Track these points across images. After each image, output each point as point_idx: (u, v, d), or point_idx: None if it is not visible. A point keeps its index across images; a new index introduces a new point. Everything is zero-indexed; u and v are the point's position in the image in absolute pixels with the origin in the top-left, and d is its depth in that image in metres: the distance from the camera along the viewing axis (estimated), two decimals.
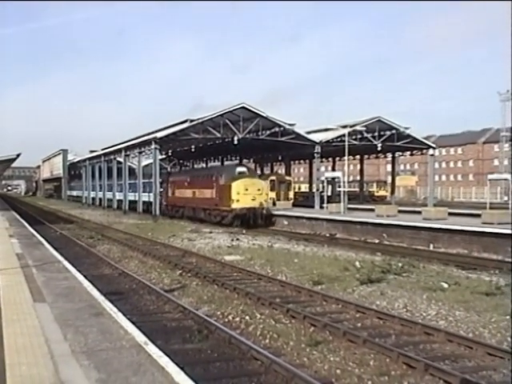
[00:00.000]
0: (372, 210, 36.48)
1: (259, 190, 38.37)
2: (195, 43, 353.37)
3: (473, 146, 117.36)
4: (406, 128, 58.25)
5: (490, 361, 9.28)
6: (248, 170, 42.00)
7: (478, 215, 28.92)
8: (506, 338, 10.44)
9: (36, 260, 17.08)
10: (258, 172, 65.85)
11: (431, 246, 25.64)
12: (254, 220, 37.27)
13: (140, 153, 56.87)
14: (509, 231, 22.01)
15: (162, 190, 50.35)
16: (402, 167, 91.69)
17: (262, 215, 38.07)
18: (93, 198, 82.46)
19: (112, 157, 69.40)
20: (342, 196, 38.63)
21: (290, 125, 52.83)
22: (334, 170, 67.37)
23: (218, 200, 39.27)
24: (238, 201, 37.14)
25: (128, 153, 61.68)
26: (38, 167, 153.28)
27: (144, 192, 55.22)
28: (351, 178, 68.64)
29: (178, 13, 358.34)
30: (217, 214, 39.43)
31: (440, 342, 10.40)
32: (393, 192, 66.26)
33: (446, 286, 15.41)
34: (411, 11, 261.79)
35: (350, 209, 39.39)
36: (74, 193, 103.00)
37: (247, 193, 37.56)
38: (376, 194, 74.74)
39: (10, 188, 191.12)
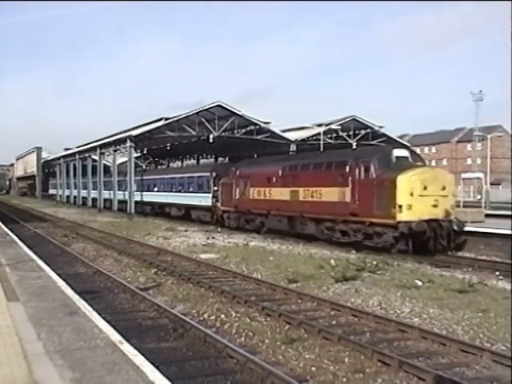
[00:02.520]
0: None
1: (444, 188, 22.80)
2: (170, 41, 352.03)
3: (446, 145, 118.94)
4: (381, 127, 58.87)
5: (463, 357, 9.38)
6: (411, 154, 25.05)
7: None
8: (478, 335, 10.57)
9: (9, 259, 16.91)
10: None
11: None
12: (435, 240, 22.17)
13: (115, 151, 56.58)
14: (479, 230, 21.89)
15: (216, 189, 37.87)
16: None
17: (450, 233, 22.60)
18: (67, 196, 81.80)
19: (87, 155, 68.88)
20: None
21: (265, 123, 53.05)
22: None
23: (358, 205, 23.31)
24: (409, 208, 21.51)
25: (103, 151, 61.29)
26: (12, 165, 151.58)
27: (119, 190, 54.85)
28: None
29: (153, 10, 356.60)
30: (357, 229, 23.63)
31: (414, 339, 10.48)
32: None
33: (419, 283, 15.54)
34: (385, 12, 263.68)
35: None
36: (52, 191, 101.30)
37: (426, 194, 22.07)
38: None
39: None
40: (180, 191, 44.76)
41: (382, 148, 36.54)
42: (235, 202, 33.59)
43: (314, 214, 26.43)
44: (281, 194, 29.05)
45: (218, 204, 36.60)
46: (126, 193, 50.94)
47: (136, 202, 51.34)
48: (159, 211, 49.50)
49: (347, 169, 24.09)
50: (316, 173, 26.66)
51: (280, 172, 29.45)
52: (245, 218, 33.12)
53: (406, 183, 21.76)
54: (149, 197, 51.37)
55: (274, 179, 29.88)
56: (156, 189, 50.14)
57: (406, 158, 23.99)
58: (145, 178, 53.59)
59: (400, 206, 21.51)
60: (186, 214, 43.45)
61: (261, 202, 31.07)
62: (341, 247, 24.12)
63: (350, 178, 23.91)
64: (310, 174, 27.09)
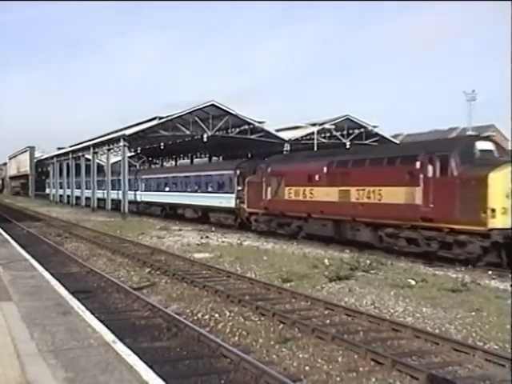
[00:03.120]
0: None
1: None
2: (164, 40, 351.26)
3: None
4: (375, 126, 58.95)
5: (456, 356, 9.40)
6: (496, 147, 20.70)
7: None
8: (471, 334, 10.60)
9: (2, 258, 16.88)
10: None
11: None
12: None
13: (108, 150, 56.44)
14: None
15: (240, 188, 34.11)
16: None
17: None
18: (60, 196, 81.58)
19: (80, 154, 68.72)
20: None
21: (259, 122, 53.06)
22: None
23: (433, 209, 19.51)
24: (504, 212, 17.81)
25: (96, 150, 61.16)
26: (5, 164, 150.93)
27: (113, 190, 54.68)
28: None
29: (148, 9, 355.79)
30: (431, 236, 19.87)
31: (407, 338, 10.51)
32: None
33: (413, 282, 15.57)
34: (378, 12, 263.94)
35: None
36: (48, 190, 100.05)
37: None
38: None
39: None
40: (196, 191, 40.88)
41: (460, 140, 29.83)
42: (266, 203, 29.48)
43: (370, 219, 22.33)
44: (326, 194, 24.85)
45: (244, 205, 32.48)
46: (120, 192, 50.67)
47: (138, 203, 50.28)
48: (170, 213, 46.07)
49: (417, 165, 20.31)
50: (374, 170, 22.41)
51: (325, 169, 25.23)
52: (277, 222, 29.13)
53: (501, 182, 17.74)
54: (158, 197, 47.53)
55: (317, 177, 25.71)
56: (167, 188, 46.30)
57: (490, 151, 20.19)
58: (153, 176, 50.60)
59: (493, 210, 17.69)
60: (203, 217, 39.85)
61: (299, 203, 26.95)
62: (334, 247, 24.13)
63: (421, 176, 20.11)
64: (366, 171, 22.82)
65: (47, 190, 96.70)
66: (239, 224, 34.09)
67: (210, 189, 38.96)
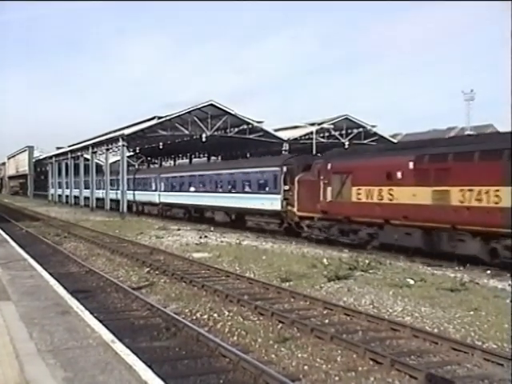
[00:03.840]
0: None
1: None
2: (163, 40, 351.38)
3: None
4: (373, 126, 59.01)
5: (455, 355, 9.41)
6: None
7: None
8: (470, 333, 10.61)
9: (1, 258, 16.87)
10: None
11: None
12: None
13: (107, 150, 56.41)
14: None
15: (287, 188, 29.78)
16: None
17: None
18: (59, 196, 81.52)
19: (79, 153, 68.70)
20: None
21: (258, 122, 53.09)
22: None
23: None
24: None
25: (95, 150, 61.14)
26: (3, 164, 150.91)
27: (112, 189, 54.58)
28: None
29: (147, 9, 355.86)
30: None
31: (406, 337, 10.52)
32: None
33: (411, 282, 15.59)
34: (377, 11, 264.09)
35: None
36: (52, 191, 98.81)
37: None
38: None
39: None
40: (230, 191, 36.13)
41: None
42: (324, 205, 24.94)
43: (481, 227, 17.79)
44: (413, 195, 20.32)
45: (292, 208, 28.18)
46: (119, 192, 50.52)
47: (157, 204, 47.24)
48: (196, 216, 41.47)
49: None
50: (487, 165, 17.74)
51: (411, 164, 20.68)
52: (340, 228, 24.60)
53: None
54: (182, 198, 43.08)
55: (399, 175, 21.11)
56: (193, 188, 41.89)
57: None
58: (176, 175, 46.28)
59: None
60: (238, 221, 35.21)
61: (372, 206, 22.30)
62: (333, 246, 24.13)
63: None
64: (477, 166, 18.15)
65: (51, 191, 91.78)
66: (285, 229, 30.07)
67: (247, 188, 34.26)
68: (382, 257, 20.59)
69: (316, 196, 25.47)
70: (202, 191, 40.16)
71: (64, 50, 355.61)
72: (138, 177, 52.45)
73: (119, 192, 50.50)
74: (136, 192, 51.73)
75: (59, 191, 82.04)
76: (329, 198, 24.80)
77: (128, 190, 51.04)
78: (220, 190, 37.65)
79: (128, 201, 51.01)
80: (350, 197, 23.48)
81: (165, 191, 46.30)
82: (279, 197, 30.10)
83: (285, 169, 30.32)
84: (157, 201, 47.63)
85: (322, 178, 25.35)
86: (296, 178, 27.95)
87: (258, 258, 20.63)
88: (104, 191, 56.20)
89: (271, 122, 66.76)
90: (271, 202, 30.79)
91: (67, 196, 75.90)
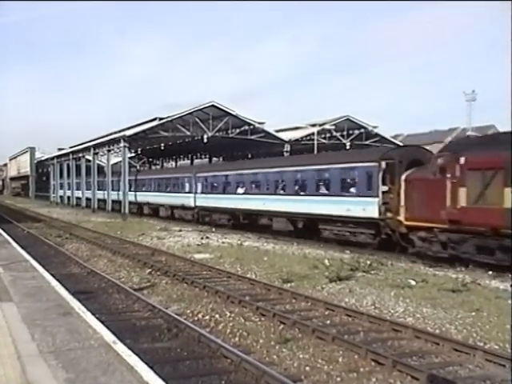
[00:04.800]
0: None
1: None
2: (165, 41, 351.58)
3: (440, 144, 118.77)
4: (375, 127, 58.99)
5: (457, 356, 9.41)
6: None
7: None
8: (472, 334, 10.61)
9: (2, 259, 16.87)
10: None
11: None
12: None
13: (109, 151, 56.42)
14: None
15: (386, 189, 23.49)
16: None
17: None
18: (61, 197, 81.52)
19: (80, 155, 68.74)
20: None
21: (259, 123, 53.09)
22: None
23: None
24: None
25: (97, 151, 61.16)
26: (5, 165, 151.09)
27: (113, 190, 54.49)
28: None
29: (149, 10, 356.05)
30: None
31: (408, 338, 10.51)
32: None
33: (413, 283, 15.58)
34: (378, 12, 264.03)
35: None
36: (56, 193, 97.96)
37: None
38: None
39: None
40: (297, 193, 29.50)
41: None
42: (453, 213, 18.91)
43: None
44: None
45: (398, 216, 21.93)
46: (121, 193, 50.50)
47: (192, 208, 41.01)
48: (246, 222, 34.61)
49: None
50: None
51: None
52: (478, 244, 18.52)
53: None
54: (222, 201, 37.08)
55: None
56: (242, 190, 35.15)
57: None
58: (218, 174, 39.46)
59: None
60: (306, 229, 28.91)
61: None
62: (335, 247, 24.11)
63: None
64: None
65: (53, 192, 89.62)
66: (380, 242, 23.76)
67: (323, 190, 27.68)
68: (383, 257, 20.59)
69: (438, 200, 19.72)
70: (255, 193, 33.43)
71: (65, 51, 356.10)
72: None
73: (133, 193, 49.90)
74: (161, 193, 47.49)
75: (61, 192, 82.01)
76: (462, 202, 18.97)
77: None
78: (281, 192, 31.05)
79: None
80: (501, 201, 17.39)
81: (203, 193, 40.24)
82: (376, 200, 23.49)
83: (384, 164, 23.77)
84: (192, 204, 41.09)
85: (448, 176, 19.45)
86: (402, 177, 22.03)
87: (259, 259, 20.62)
88: (105, 192, 56.11)
89: (272, 122, 66.91)
90: (363, 208, 24.15)
91: (69, 197, 75.90)
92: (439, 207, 19.54)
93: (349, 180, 25.77)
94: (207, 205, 39.13)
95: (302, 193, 29.06)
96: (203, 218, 40.08)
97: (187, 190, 42.35)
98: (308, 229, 28.54)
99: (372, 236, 24.07)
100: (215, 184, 38.98)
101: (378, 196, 23.41)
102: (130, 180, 51.05)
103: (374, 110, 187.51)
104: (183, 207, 42.90)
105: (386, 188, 23.40)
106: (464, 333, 10.76)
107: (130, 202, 51.00)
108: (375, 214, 23.44)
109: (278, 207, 30.47)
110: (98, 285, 16.35)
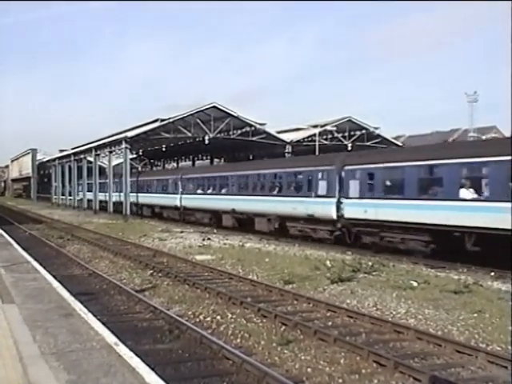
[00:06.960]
0: None
1: None
2: (166, 42, 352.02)
3: None
4: (376, 128, 58.95)
5: (459, 358, 9.39)
6: None
7: None
8: (474, 335, 10.59)
9: (4, 261, 16.87)
10: None
11: None
12: None
13: (110, 152, 56.42)
14: None
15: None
16: None
17: None
18: (62, 198, 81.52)
19: (82, 156, 68.76)
20: None
21: (260, 124, 53.11)
22: None
23: None
24: None
25: (98, 152, 61.18)
26: (7, 167, 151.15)
27: (115, 192, 54.46)
28: None
29: (150, 11, 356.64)
30: None
31: (409, 339, 10.50)
32: None
33: (415, 284, 15.56)
34: (380, 13, 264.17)
35: None
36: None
37: None
38: None
39: None
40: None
41: None
42: None
43: None
44: None
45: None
46: (122, 194, 50.42)
47: (234, 212, 34.63)
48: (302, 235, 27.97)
49: None
50: None
51: None
52: None
53: None
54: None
55: None
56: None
57: None
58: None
59: None
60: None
61: None
62: (336, 248, 24.09)
63: None
64: None
65: (54, 193, 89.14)
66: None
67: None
68: (385, 259, 20.57)
69: None
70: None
71: (66, 53, 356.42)
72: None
73: (140, 195, 50.11)
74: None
75: (62, 194, 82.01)
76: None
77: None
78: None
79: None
80: None
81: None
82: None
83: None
84: (229, 207, 35.21)
85: None
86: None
87: (260, 261, 20.61)
88: (107, 194, 56.09)
89: (274, 124, 66.72)
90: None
91: (70, 199, 75.92)
92: None
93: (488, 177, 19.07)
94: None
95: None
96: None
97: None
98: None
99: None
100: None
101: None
102: (131, 181, 51.40)
103: (376, 111, 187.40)
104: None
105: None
106: (466, 334, 10.75)
107: (132, 203, 51.23)
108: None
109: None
110: (100, 286, 16.35)
